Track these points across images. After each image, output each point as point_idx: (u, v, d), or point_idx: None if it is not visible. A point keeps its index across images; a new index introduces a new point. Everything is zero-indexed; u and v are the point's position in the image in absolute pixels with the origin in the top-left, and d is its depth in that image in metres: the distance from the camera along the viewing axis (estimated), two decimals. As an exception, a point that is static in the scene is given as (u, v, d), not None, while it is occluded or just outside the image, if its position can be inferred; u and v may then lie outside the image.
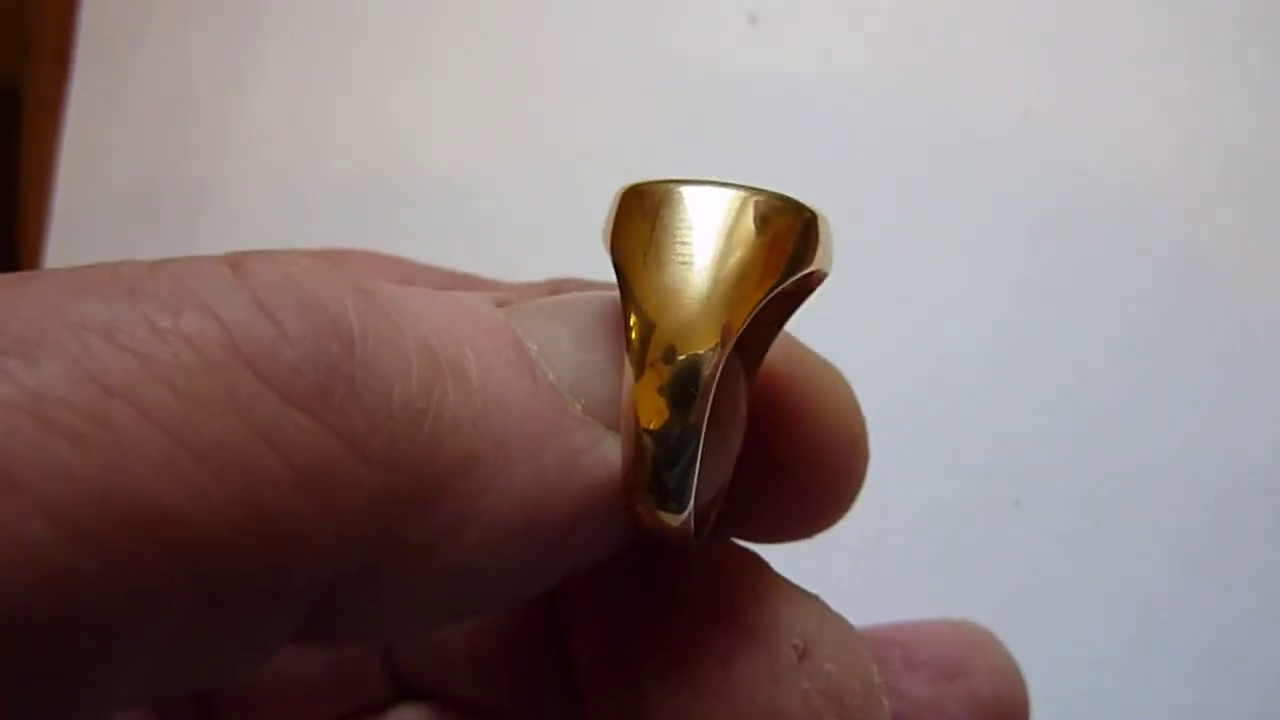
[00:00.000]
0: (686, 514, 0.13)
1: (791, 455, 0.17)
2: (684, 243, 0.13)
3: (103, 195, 0.51)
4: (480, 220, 0.45)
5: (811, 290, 0.16)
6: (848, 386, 0.17)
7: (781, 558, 0.17)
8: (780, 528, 0.18)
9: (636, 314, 0.13)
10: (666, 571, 0.15)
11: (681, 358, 0.13)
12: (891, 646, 0.18)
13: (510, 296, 0.15)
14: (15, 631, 0.09)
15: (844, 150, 0.42)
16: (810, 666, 0.14)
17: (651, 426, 0.13)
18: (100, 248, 0.51)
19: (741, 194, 0.14)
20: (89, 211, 0.51)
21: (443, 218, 0.46)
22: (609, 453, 0.13)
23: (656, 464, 0.13)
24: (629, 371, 0.13)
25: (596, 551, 0.14)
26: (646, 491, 0.13)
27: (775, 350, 0.16)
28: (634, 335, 0.13)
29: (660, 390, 0.13)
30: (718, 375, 0.13)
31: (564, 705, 0.17)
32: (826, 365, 0.17)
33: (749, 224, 0.14)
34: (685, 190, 0.13)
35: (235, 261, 0.12)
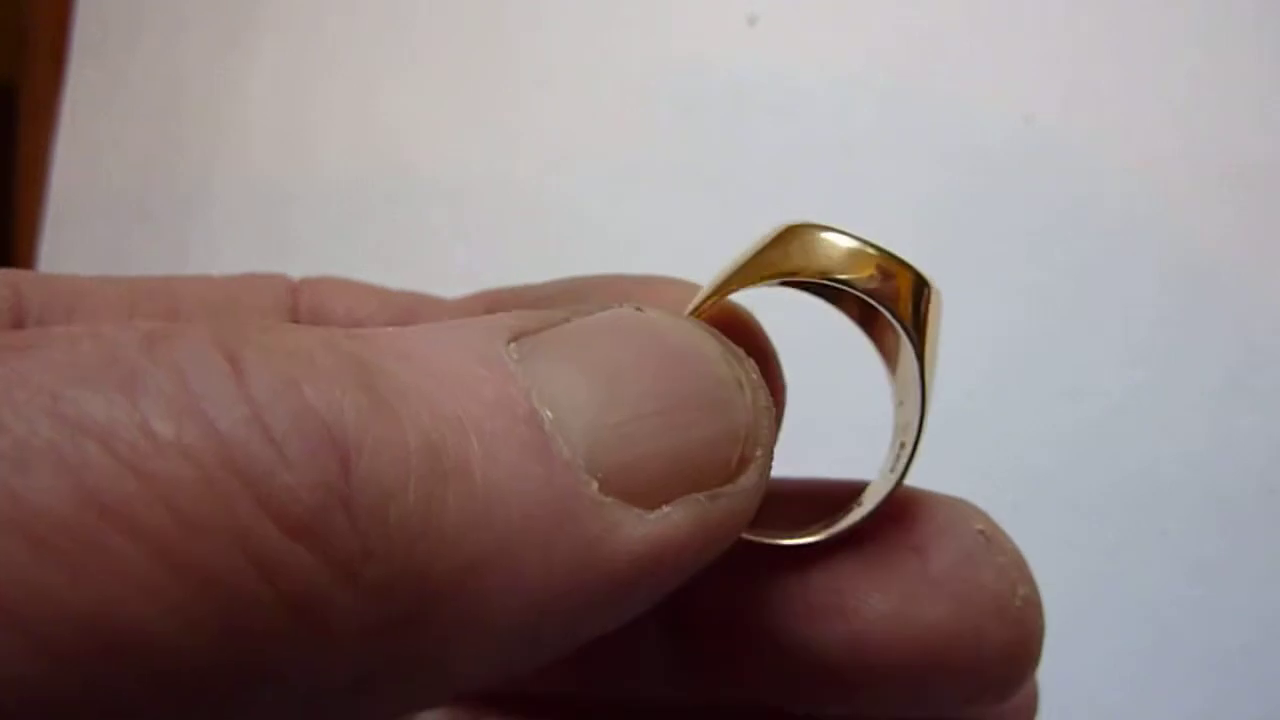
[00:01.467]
0: None
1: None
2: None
3: (97, 193, 0.51)
4: (476, 221, 0.45)
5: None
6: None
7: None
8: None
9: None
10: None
11: None
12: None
13: (528, 323, 0.13)
14: None
15: (844, 152, 0.42)
16: (996, 546, 0.16)
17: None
18: (94, 245, 0.50)
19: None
20: (83, 209, 0.51)
21: (437, 218, 0.46)
22: (629, 535, 0.12)
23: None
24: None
25: (621, 621, 0.13)
26: None
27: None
28: None
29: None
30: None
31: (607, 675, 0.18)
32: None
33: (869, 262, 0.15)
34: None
35: (232, 355, 0.11)
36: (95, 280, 0.19)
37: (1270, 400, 0.36)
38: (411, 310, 0.20)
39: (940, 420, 0.38)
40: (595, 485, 0.12)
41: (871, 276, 0.15)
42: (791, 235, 0.15)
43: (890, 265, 0.16)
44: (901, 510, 0.16)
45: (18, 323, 0.18)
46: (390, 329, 0.13)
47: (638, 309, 0.14)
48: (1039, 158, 0.40)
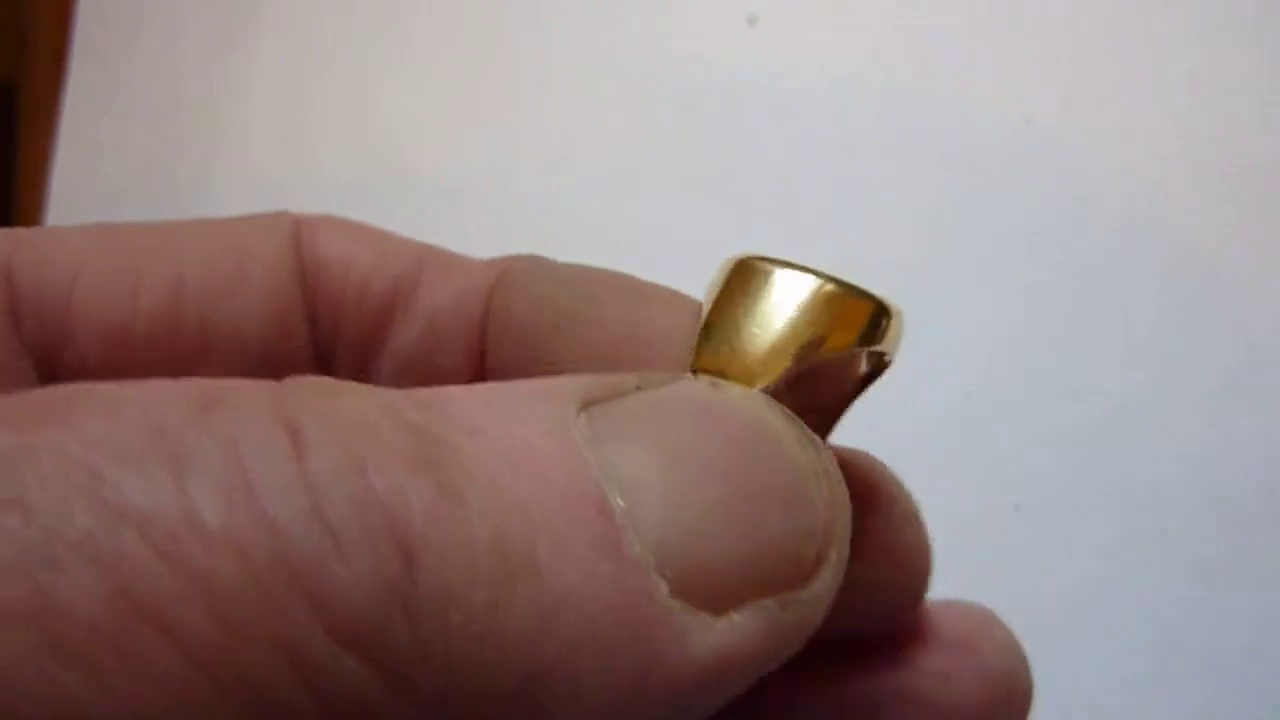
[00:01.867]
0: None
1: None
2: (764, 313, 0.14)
3: (97, 193, 0.51)
4: (476, 220, 0.45)
5: (876, 374, 0.16)
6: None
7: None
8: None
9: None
10: None
11: None
12: (903, 624, 0.19)
13: (597, 391, 0.12)
14: None
15: (843, 152, 0.42)
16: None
17: None
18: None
19: (824, 282, 0.15)
20: (83, 209, 0.51)
21: (437, 218, 0.46)
22: (696, 647, 0.11)
23: None
24: None
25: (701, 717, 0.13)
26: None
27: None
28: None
29: None
30: None
31: None
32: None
33: (821, 304, 0.15)
34: (779, 271, 0.15)
35: (293, 427, 0.10)
36: (93, 245, 0.18)
37: (1271, 400, 0.36)
38: (414, 272, 0.19)
39: (940, 420, 0.38)
40: (665, 588, 0.11)
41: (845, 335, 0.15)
42: (745, 272, 0.15)
43: (849, 303, 0.15)
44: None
45: (14, 317, 0.17)
46: (456, 391, 0.12)
47: (713, 384, 0.13)
48: (1039, 158, 0.40)
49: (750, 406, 0.13)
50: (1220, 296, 0.37)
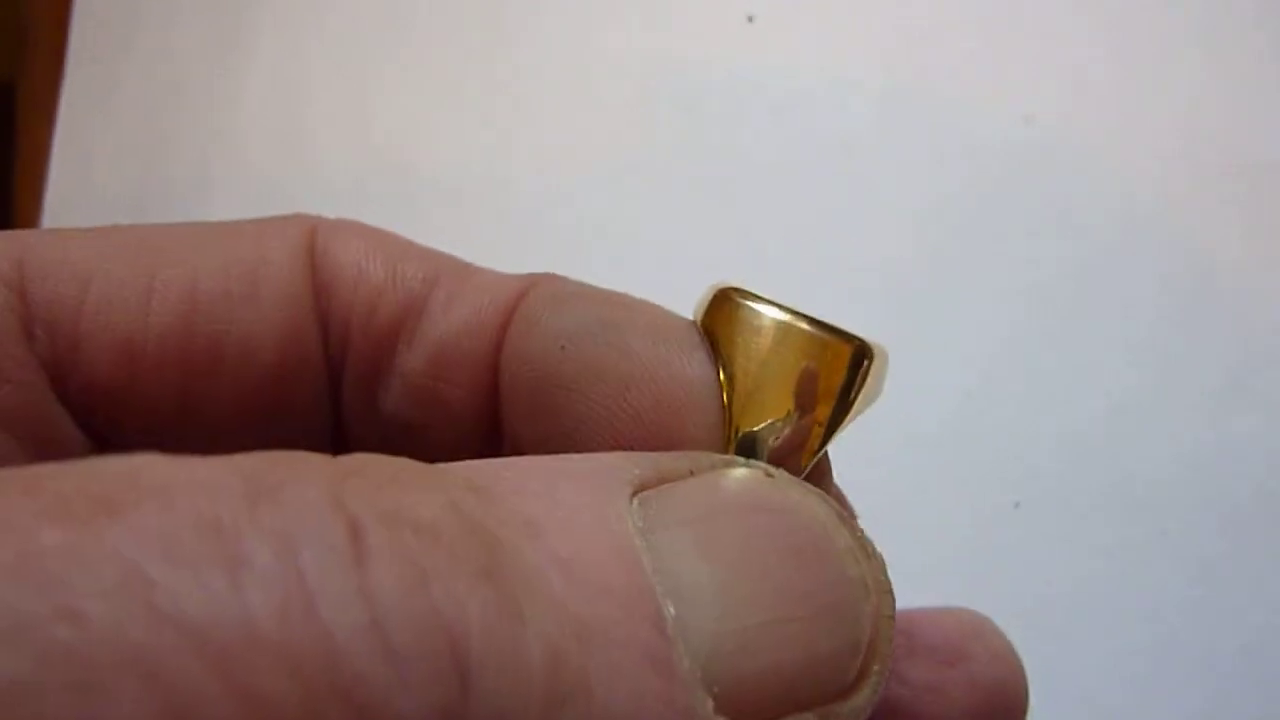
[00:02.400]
0: None
1: None
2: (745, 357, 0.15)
3: (95, 191, 0.51)
4: (475, 220, 0.45)
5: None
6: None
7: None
8: None
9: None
10: None
11: None
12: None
13: (649, 474, 0.12)
14: None
15: (842, 151, 0.42)
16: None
17: None
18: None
19: (798, 324, 0.15)
20: (81, 207, 0.51)
21: (436, 218, 0.46)
22: None
23: None
24: None
25: None
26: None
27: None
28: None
29: None
30: None
31: None
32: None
33: (794, 354, 0.15)
34: (754, 308, 0.15)
35: (354, 526, 0.10)
36: (105, 251, 0.17)
37: (1270, 401, 0.36)
38: (429, 283, 0.18)
39: (941, 420, 0.38)
40: (710, 704, 0.11)
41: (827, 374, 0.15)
42: (723, 306, 0.15)
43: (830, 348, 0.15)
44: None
45: (25, 325, 0.17)
46: (512, 474, 0.12)
47: (768, 475, 0.13)
48: (1039, 158, 0.40)
49: (804, 506, 0.13)
50: (1220, 297, 0.37)
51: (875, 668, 0.12)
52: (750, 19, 0.44)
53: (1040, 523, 0.36)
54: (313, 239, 0.19)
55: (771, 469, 0.13)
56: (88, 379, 0.17)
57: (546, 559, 0.11)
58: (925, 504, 0.37)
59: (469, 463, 0.12)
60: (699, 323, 0.15)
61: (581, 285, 0.18)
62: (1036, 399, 0.37)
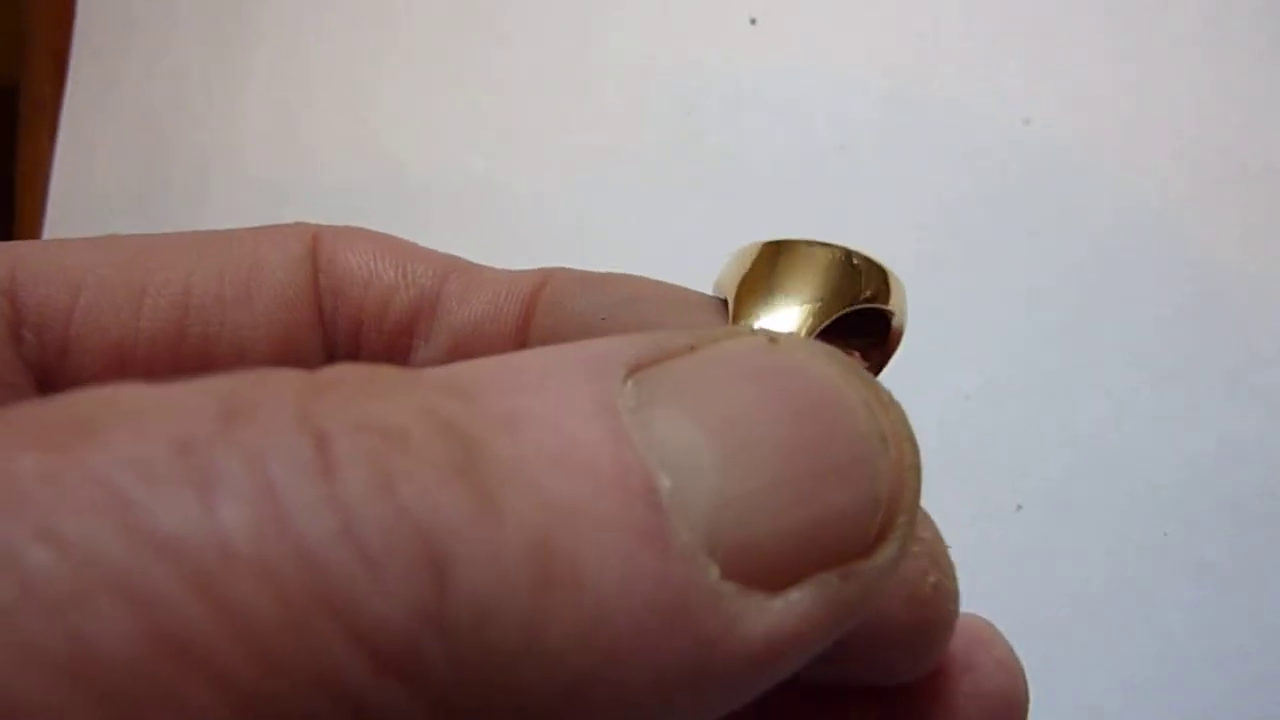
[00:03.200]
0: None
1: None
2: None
3: (98, 193, 0.51)
4: (474, 222, 0.45)
5: (892, 344, 0.17)
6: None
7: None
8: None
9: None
10: None
11: None
12: None
13: (646, 353, 0.12)
14: None
15: (843, 153, 0.42)
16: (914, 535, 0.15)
17: None
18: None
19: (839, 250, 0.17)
20: (84, 210, 0.51)
21: (435, 219, 0.46)
22: (749, 632, 0.11)
23: None
24: None
25: (730, 709, 0.12)
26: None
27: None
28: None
29: None
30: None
31: None
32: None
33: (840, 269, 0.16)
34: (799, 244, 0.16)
35: (320, 437, 0.10)
36: (98, 260, 0.17)
37: (1271, 403, 0.36)
38: (437, 285, 0.19)
39: (941, 422, 0.38)
40: (715, 571, 0.11)
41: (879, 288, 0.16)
42: (774, 250, 0.17)
43: (874, 268, 0.17)
44: None
45: (13, 329, 0.17)
46: (492, 369, 0.11)
47: (771, 339, 0.12)
48: (1038, 159, 0.40)
49: (811, 364, 0.12)
50: (1220, 298, 0.37)
51: (900, 520, 0.12)
52: (752, 21, 0.44)
53: (1042, 525, 0.36)
54: (315, 245, 0.19)
55: (776, 333, 0.13)
56: (76, 381, 0.17)
57: (526, 450, 0.10)
58: (927, 506, 0.36)
59: (455, 364, 0.11)
60: (736, 272, 0.16)
61: (595, 272, 0.18)
62: (1038, 401, 0.37)
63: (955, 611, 0.16)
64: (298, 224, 0.19)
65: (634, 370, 0.11)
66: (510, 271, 0.19)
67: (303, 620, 0.09)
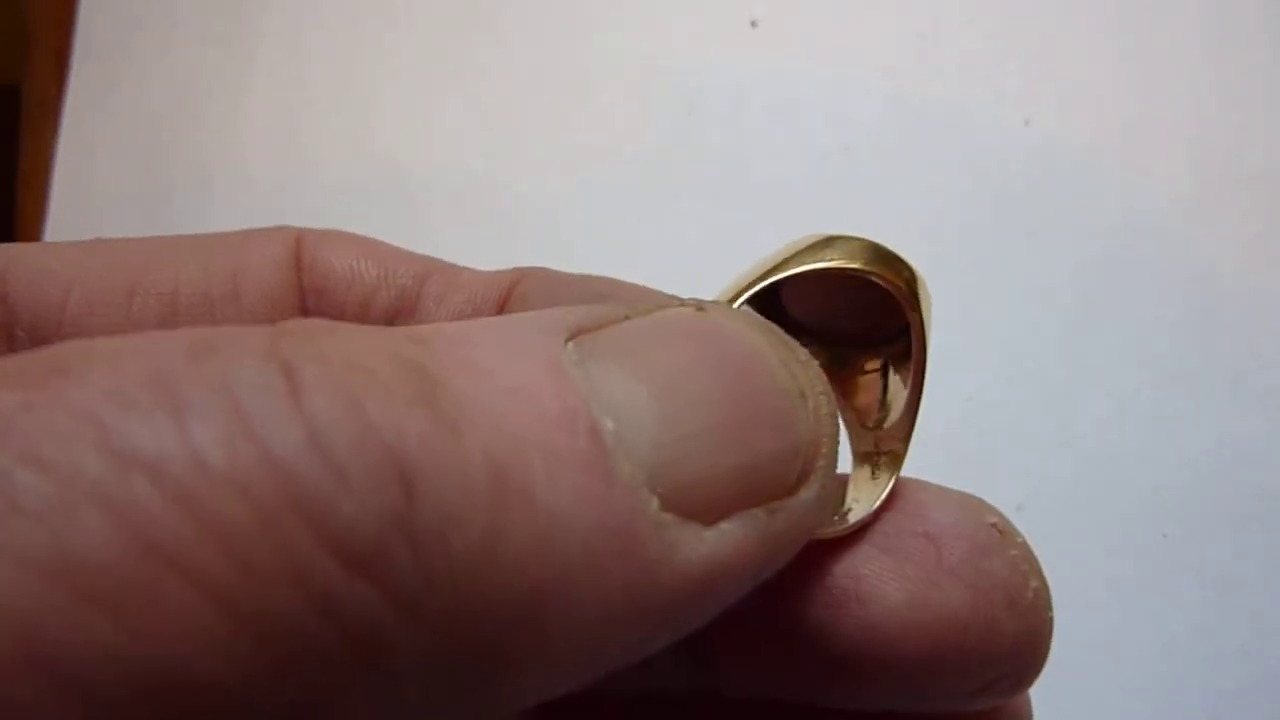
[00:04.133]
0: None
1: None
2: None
3: (100, 194, 0.51)
4: (474, 223, 0.45)
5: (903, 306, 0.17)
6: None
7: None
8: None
9: None
10: None
11: None
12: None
13: (586, 320, 0.13)
14: None
15: (844, 154, 0.42)
16: (1009, 539, 0.16)
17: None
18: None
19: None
20: (85, 210, 0.51)
21: (438, 218, 0.46)
22: (688, 557, 0.12)
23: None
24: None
25: (678, 637, 0.13)
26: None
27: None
28: None
29: None
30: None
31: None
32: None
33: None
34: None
35: (288, 367, 0.10)
36: (89, 262, 0.18)
37: (1273, 404, 0.36)
38: (417, 285, 0.19)
39: (942, 424, 0.38)
40: (655, 503, 0.12)
41: (898, 273, 0.16)
42: (828, 240, 0.16)
43: (900, 262, 0.16)
44: (915, 503, 0.16)
45: (5, 328, 0.17)
46: (450, 326, 0.12)
47: (699, 308, 0.14)
48: (1038, 160, 0.40)
49: (734, 329, 0.14)
50: (1222, 300, 0.37)
51: (819, 464, 0.13)
52: (753, 24, 0.44)
53: (1043, 525, 0.36)
54: (298, 246, 0.20)
55: (705, 302, 0.14)
56: None
57: (480, 388, 0.11)
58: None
59: (414, 325, 0.12)
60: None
61: (568, 273, 0.19)
62: (1039, 402, 0.37)
63: (1052, 619, 0.17)
64: (281, 227, 0.20)
65: (575, 334, 0.13)
66: (487, 272, 0.19)
67: (275, 524, 0.10)
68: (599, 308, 0.13)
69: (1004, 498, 0.38)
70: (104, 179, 0.51)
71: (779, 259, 0.16)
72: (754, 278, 0.16)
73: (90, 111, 0.53)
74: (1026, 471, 0.37)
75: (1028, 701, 0.18)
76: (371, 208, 0.46)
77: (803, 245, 0.16)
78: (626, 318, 0.13)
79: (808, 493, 0.13)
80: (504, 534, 0.11)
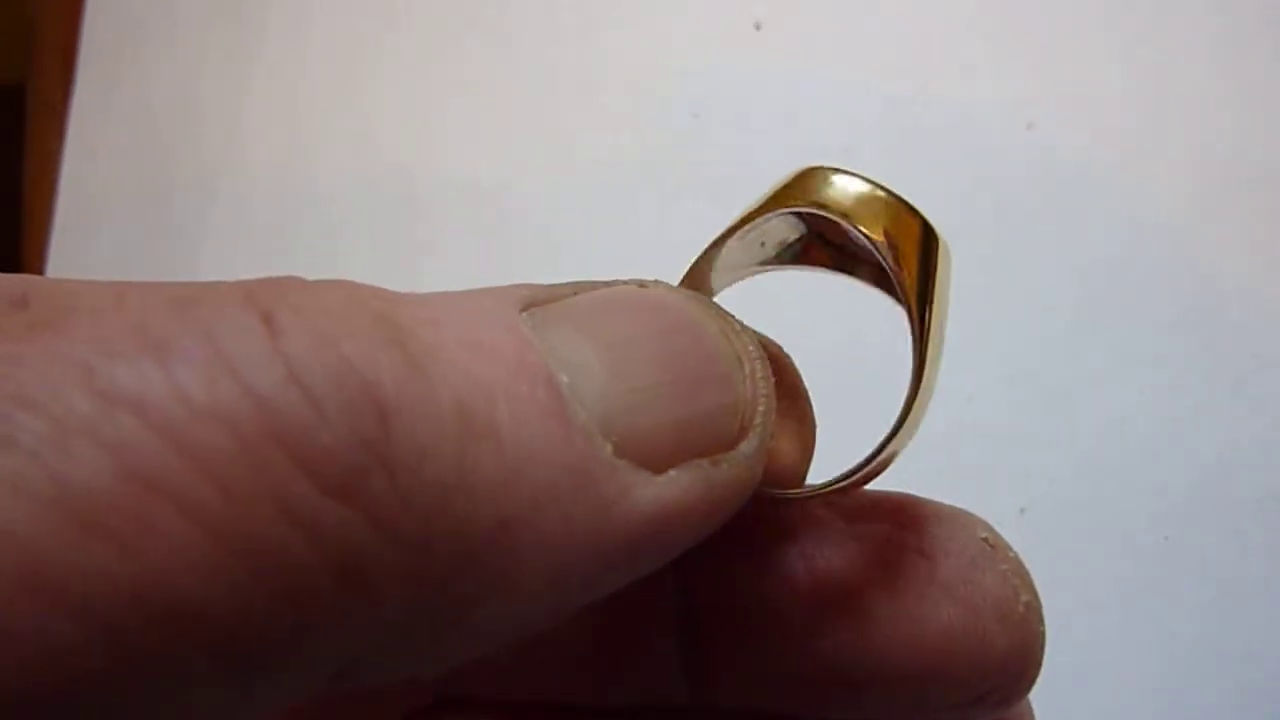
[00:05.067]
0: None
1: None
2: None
3: (106, 194, 0.51)
4: (477, 225, 0.45)
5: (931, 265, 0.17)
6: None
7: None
8: None
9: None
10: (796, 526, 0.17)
11: None
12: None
13: (538, 295, 0.14)
14: None
15: (846, 157, 0.42)
16: (1000, 554, 0.17)
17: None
18: (103, 247, 0.51)
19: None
20: (92, 210, 0.51)
21: (442, 221, 0.46)
22: (640, 498, 0.13)
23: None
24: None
25: (635, 576, 0.14)
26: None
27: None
28: None
29: None
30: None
31: (623, 679, 0.18)
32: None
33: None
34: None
35: (266, 314, 0.11)
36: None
37: (1275, 407, 0.36)
38: None
39: (943, 425, 0.38)
40: (609, 448, 0.13)
41: (880, 223, 0.16)
42: (810, 174, 0.17)
43: (901, 212, 0.17)
44: (908, 517, 0.17)
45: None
46: (412, 295, 0.13)
47: (641, 285, 0.15)
48: (1040, 164, 0.40)
49: (675, 301, 0.15)
50: (1224, 303, 0.37)
51: (757, 422, 0.14)
52: (757, 27, 0.44)
53: (1045, 528, 0.36)
54: None
55: (647, 280, 0.15)
56: None
57: (445, 338, 0.12)
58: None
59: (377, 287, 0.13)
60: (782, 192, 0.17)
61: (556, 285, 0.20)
62: (1040, 404, 0.37)
63: (1044, 633, 0.17)
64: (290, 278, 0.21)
65: (528, 306, 0.14)
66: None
67: (256, 452, 0.10)
68: (549, 286, 0.14)
69: (1005, 500, 0.39)
70: (112, 180, 0.52)
71: (773, 190, 0.16)
72: (740, 217, 0.16)
73: (96, 112, 0.53)
74: (1028, 474, 0.37)
75: (1029, 707, 0.18)
76: (373, 208, 0.46)
77: (803, 177, 0.16)
78: (575, 293, 0.14)
79: (748, 446, 0.14)
80: (475, 466, 0.12)
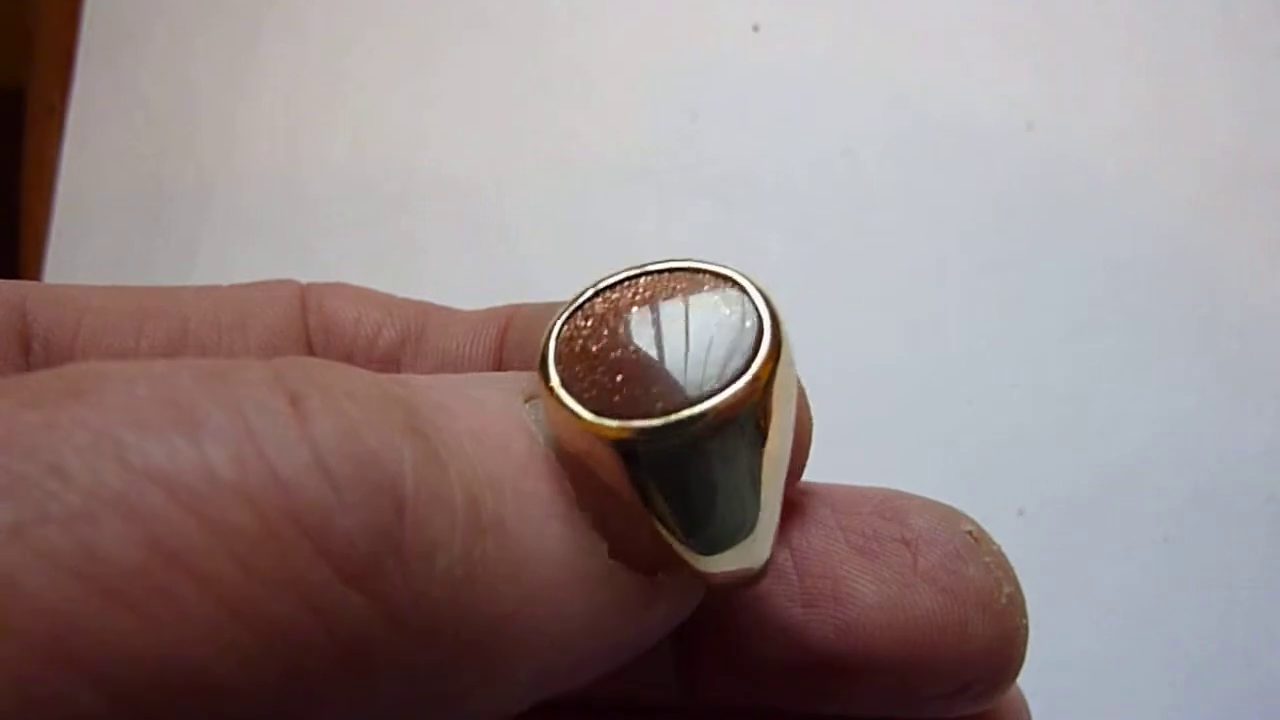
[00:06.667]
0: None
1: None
2: None
3: (104, 197, 0.51)
4: (477, 226, 0.45)
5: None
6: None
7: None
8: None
9: None
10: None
11: None
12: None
13: (538, 388, 0.14)
14: None
15: (846, 158, 0.42)
16: (983, 546, 0.17)
17: None
18: (101, 249, 0.51)
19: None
20: (91, 213, 0.51)
21: (444, 221, 0.46)
22: (631, 601, 0.14)
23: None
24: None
25: (613, 667, 0.14)
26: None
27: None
28: None
29: None
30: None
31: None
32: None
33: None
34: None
35: (294, 395, 0.11)
36: (102, 295, 0.19)
37: (1273, 407, 0.36)
38: (420, 321, 0.20)
39: (944, 428, 0.38)
40: (605, 548, 0.13)
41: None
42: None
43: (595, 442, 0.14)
44: (893, 510, 0.17)
45: (23, 341, 0.18)
46: (420, 378, 0.14)
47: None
48: (1040, 164, 0.40)
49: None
50: (1225, 305, 0.37)
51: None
52: (756, 28, 0.44)
53: (1044, 530, 0.36)
54: (304, 297, 0.21)
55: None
56: None
57: (457, 426, 0.13)
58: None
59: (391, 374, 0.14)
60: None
61: (557, 303, 0.20)
62: (1039, 406, 0.37)
63: (1026, 625, 0.17)
64: (285, 281, 0.21)
65: (530, 399, 0.14)
66: (481, 311, 0.21)
67: (278, 534, 0.11)
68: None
69: (1005, 502, 0.39)
70: (110, 183, 0.52)
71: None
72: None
73: (95, 115, 0.53)
74: (1027, 476, 0.37)
75: (1025, 706, 0.19)
76: (373, 210, 0.46)
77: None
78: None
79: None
80: (482, 558, 0.12)
